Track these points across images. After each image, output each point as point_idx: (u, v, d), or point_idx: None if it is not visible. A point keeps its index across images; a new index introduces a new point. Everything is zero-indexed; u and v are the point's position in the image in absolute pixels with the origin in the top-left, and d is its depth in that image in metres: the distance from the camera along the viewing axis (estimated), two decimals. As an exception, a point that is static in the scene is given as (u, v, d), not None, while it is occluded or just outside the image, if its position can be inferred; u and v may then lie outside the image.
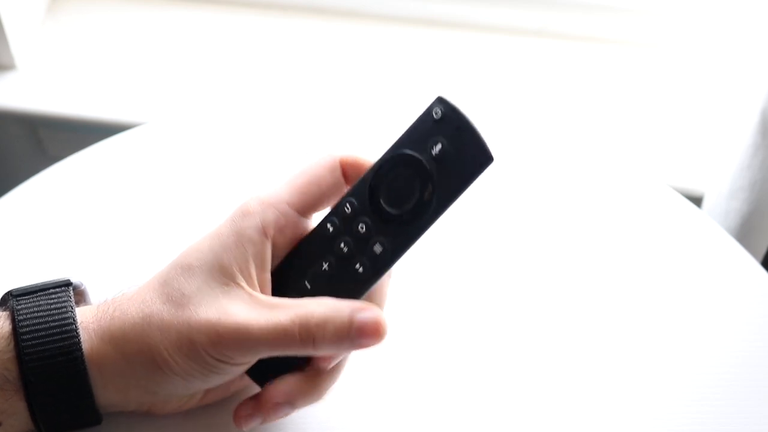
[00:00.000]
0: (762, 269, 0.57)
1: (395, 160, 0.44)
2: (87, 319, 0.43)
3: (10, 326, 0.42)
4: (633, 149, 0.96)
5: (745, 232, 0.83)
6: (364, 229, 0.44)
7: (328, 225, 0.45)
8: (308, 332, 0.42)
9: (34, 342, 0.42)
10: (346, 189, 0.46)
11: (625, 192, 0.61)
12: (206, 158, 0.62)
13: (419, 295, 0.54)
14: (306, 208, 0.46)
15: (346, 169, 0.46)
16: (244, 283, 0.44)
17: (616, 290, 0.55)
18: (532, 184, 0.61)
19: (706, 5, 1.01)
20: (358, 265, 0.44)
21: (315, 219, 0.47)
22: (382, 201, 0.44)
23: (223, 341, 0.42)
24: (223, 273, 0.44)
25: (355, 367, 0.50)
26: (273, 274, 0.46)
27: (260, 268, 0.45)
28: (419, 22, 1.06)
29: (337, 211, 0.46)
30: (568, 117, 0.98)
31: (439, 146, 0.43)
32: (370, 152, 0.46)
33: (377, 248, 0.44)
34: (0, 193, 0.60)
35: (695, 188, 0.92)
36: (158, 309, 0.43)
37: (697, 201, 0.91)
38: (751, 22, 0.89)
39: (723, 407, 0.51)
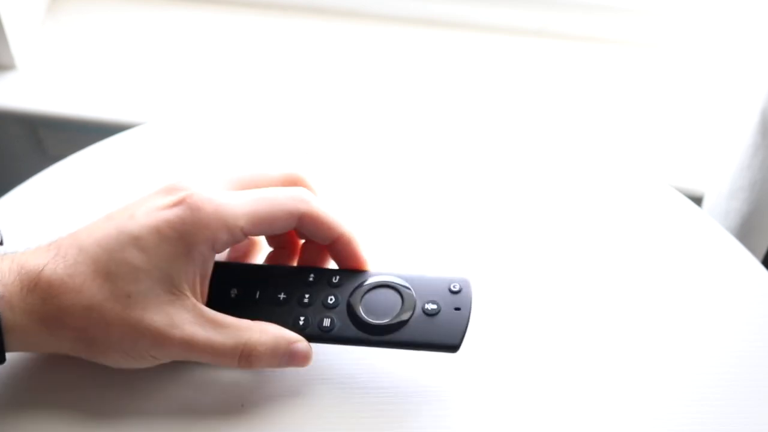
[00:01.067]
0: (763, 269, 0.57)
1: (398, 287, 0.49)
2: (11, 294, 0.43)
3: None
4: (633, 149, 0.96)
5: (746, 232, 0.83)
6: (332, 301, 0.49)
7: (311, 275, 0.50)
8: (247, 360, 0.46)
9: None
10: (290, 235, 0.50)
11: (625, 192, 0.61)
12: (206, 158, 0.62)
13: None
14: (252, 234, 0.47)
15: (302, 219, 0.47)
16: (189, 294, 0.45)
17: (616, 290, 0.55)
18: (533, 184, 0.61)
19: (706, 5, 1.00)
20: (302, 318, 0.49)
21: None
22: (360, 300, 0.49)
23: (167, 348, 0.45)
24: (171, 282, 0.44)
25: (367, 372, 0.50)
26: (221, 264, 0.49)
27: (204, 278, 0.46)
28: (419, 22, 1.06)
29: (324, 272, 0.50)
30: (568, 117, 0.98)
31: (434, 307, 0.49)
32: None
33: (326, 321, 0.48)
34: (0, 193, 0.60)
35: (695, 188, 0.92)
36: (100, 304, 0.43)
37: (697, 201, 0.91)
38: (751, 22, 0.89)
39: (723, 407, 0.50)
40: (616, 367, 0.52)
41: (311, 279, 0.50)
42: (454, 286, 0.49)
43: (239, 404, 0.49)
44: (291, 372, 0.50)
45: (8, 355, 0.44)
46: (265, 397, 0.49)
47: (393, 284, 0.49)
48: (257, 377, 0.50)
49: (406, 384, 0.51)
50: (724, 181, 0.86)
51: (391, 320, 0.48)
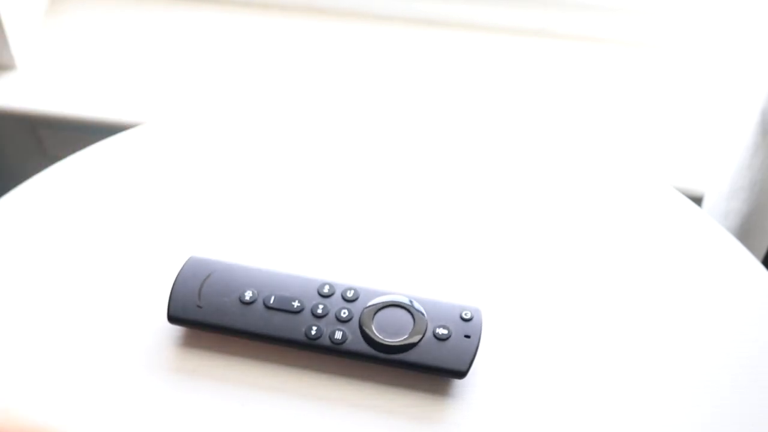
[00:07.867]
0: (762, 269, 0.57)
1: (413, 308, 0.50)
2: None
3: None
4: (633, 149, 0.95)
5: (745, 232, 0.83)
6: (345, 315, 0.50)
7: (327, 286, 0.51)
8: None
9: None
10: None
11: (626, 192, 0.61)
12: (206, 158, 0.62)
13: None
14: None
15: None
16: None
17: (616, 290, 0.55)
18: (533, 184, 0.61)
19: (706, 5, 1.00)
20: (315, 328, 0.50)
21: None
22: (373, 317, 0.50)
23: None
24: None
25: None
26: (239, 266, 0.51)
27: None
28: (419, 22, 1.06)
29: (340, 285, 0.51)
30: (568, 117, 0.98)
31: (444, 332, 0.50)
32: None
33: (338, 334, 0.49)
34: (0, 193, 0.60)
35: (695, 188, 0.92)
36: None
37: (697, 201, 0.91)
38: (751, 22, 0.89)
39: (723, 407, 0.51)
40: (617, 367, 0.52)
41: (326, 291, 0.51)
42: (465, 314, 0.50)
43: (239, 404, 0.49)
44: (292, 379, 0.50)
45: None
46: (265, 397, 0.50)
47: (406, 305, 0.50)
48: (256, 379, 0.50)
49: (411, 407, 0.51)
50: (724, 181, 0.86)
51: (401, 340, 0.49)
